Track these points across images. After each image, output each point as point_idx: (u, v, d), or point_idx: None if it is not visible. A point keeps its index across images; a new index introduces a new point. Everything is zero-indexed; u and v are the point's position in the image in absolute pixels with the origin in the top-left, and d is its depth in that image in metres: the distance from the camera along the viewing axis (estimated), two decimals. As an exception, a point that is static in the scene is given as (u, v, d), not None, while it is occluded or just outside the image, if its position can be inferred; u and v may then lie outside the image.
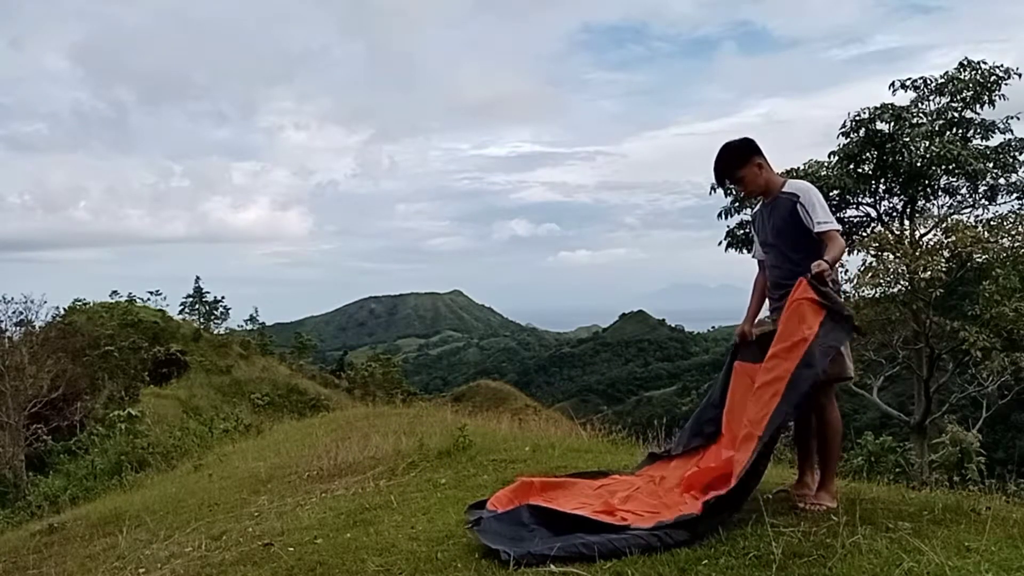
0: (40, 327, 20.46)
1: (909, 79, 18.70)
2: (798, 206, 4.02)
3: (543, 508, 3.80)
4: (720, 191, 19.70)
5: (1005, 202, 18.81)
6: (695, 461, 4.27)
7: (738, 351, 4.38)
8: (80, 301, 31.11)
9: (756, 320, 4.42)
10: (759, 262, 4.42)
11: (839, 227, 4.13)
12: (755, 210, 4.44)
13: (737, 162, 4.15)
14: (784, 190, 4.13)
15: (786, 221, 4.06)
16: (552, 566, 3.22)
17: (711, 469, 4.01)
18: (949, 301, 17.97)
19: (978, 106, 18.11)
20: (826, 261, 3.76)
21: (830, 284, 3.81)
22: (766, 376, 3.78)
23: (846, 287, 18.49)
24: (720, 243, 20.46)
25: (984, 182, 18.34)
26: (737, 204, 19.51)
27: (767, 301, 4.37)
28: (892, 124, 17.98)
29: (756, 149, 4.17)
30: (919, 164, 17.65)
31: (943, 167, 17.69)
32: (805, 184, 4.19)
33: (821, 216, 3.98)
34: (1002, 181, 18.44)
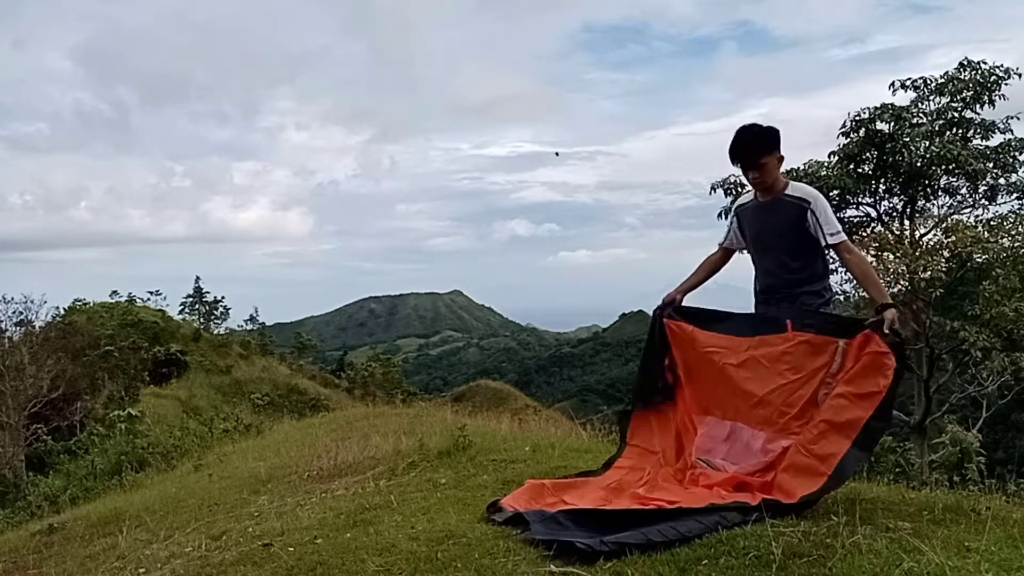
0: (40, 327, 20.50)
1: (909, 79, 18.71)
2: (809, 213, 3.95)
3: (579, 510, 3.75)
4: (720, 191, 19.72)
5: (1005, 202, 18.83)
6: (675, 426, 4.48)
7: (665, 310, 4.58)
8: (80, 301, 31.20)
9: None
10: (724, 249, 4.52)
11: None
12: (743, 203, 4.31)
13: (767, 147, 4.01)
14: (788, 192, 4.05)
15: (792, 226, 4.00)
16: (552, 566, 3.22)
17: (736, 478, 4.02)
18: (949, 301, 17.98)
19: (978, 106, 18.11)
20: (891, 305, 3.75)
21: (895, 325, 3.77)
22: (831, 415, 3.79)
23: (846, 287, 18.51)
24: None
25: (984, 182, 18.34)
26: (737, 204, 19.50)
27: (754, 299, 4.41)
28: (892, 124, 17.98)
29: (780, 142, 4.09)
30: (919, 164, 17.66)
31: (943, 167, 17.70)
32: (813, 190, 4.12)
33: (833, 226, 3.96)
34: (1002, 181, 18.45)
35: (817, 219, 3.94)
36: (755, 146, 4.01)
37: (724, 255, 4.54)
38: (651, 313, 4.68)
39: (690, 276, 4.58)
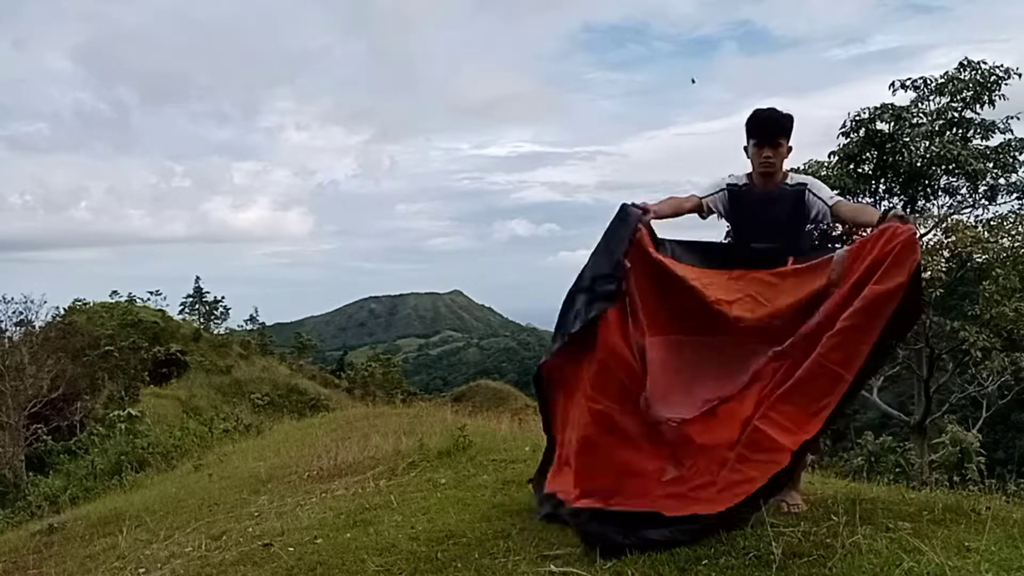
0: (40, 327, 20.51)
1: (909, 79, 18.70)
2: (807, 193, 3.94)
3: (605, 512, 3.47)
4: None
5: (1005, 202, 18.81)
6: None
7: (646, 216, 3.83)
8: (80, 301, 31.21)
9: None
10: (700, 203, 4.13)
11: None
12: (737, 184, 4.10)
13: (788, 130, 3.98)
14: (788, 182, 4.03)
15: (790, 215, 3.95)
16: (552, 566, 3.22)
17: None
18: (949, 301, 17.97)
19: (978, 106, 18.10)
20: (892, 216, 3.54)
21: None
22: (848, 319, 3.34)
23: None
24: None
25: (984, 182, 18.32)
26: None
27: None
28: (892, 124, 17.97)
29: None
30: (919, 164, 17.64)
31: (943, 167, 17.69)
32: (807, 176, 4.14)
33: (828, 192, 3.96)
34: (1002, 181, 18.43)
35: (814, 193, 3.94)
36: (781, 124, 3.96)
37: (696, 208, 4.16)
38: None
39: (669, 204, 4.09)
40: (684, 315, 3.80)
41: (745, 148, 4.02)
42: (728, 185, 4.11)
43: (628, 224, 3.76)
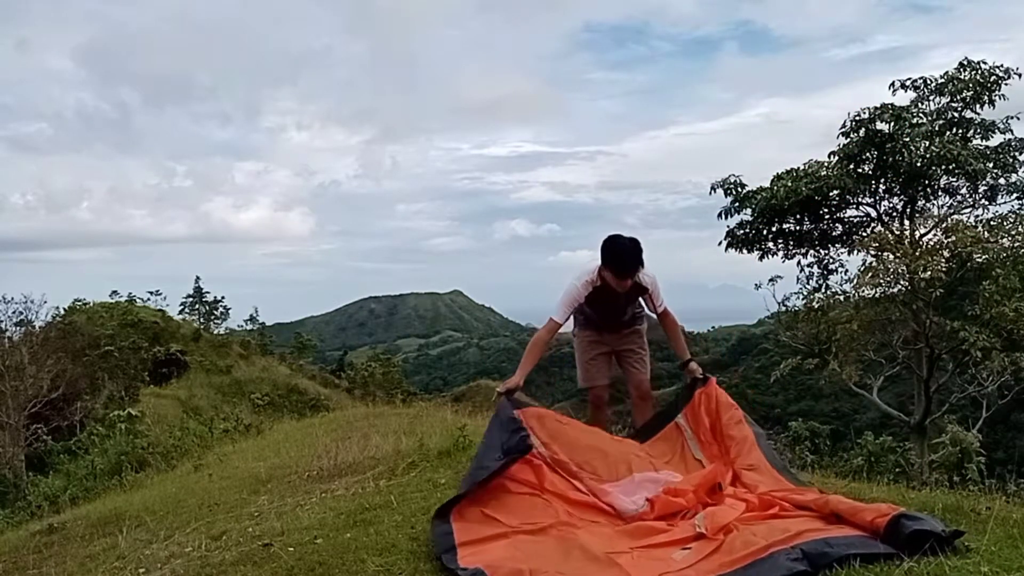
0: (40, 327, 20.44)
1: (909, 79, 18.72)
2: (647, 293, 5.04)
3: None
4: (720, 191, 19.76)
5: (1005, 202, 18.84)
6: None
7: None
8: (80, 301, 31.10)
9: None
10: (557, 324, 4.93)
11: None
12: (591, 292, 4.87)
13: (641, 263, 4.82)
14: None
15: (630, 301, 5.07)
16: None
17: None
18: (949, 301, 17.97)
19: (978, 106, 18.11)
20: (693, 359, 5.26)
21: None
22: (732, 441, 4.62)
23: (846, 287, 18.53)
24: (720, 243, 20.47)
25: (984, 182, 18.34)
26: (737, 204, 19.52)
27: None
28: (892, 124, 17.97)
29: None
30: (919, 164, 17.64)
31: (943, 167, 17.69)
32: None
33: (662, 299, 5.12)
34: (1002, 181, 18.45)
35: (653, 298, 5.04)
36: (639, 261, 4.75)
37: (552, 334, 4.98)
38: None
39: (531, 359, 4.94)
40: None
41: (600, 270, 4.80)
42: (588, 294, 4.90)
43: (501, 417, 4.46)
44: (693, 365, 5.06)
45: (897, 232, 18.76)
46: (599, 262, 4.82)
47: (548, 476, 4.14)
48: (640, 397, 5.23)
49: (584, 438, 4.54)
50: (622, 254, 4.70)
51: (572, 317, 5.01)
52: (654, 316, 5.18)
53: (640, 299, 5.10)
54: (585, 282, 4.84)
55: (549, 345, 4.92)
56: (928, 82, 18.46)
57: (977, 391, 17.65)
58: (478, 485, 3.99)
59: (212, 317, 43.74)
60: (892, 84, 18.89)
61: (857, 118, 18.44)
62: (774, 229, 19.85)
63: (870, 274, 17.16)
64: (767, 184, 18.95)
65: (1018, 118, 18.12)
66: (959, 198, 19.08)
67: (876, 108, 18.29)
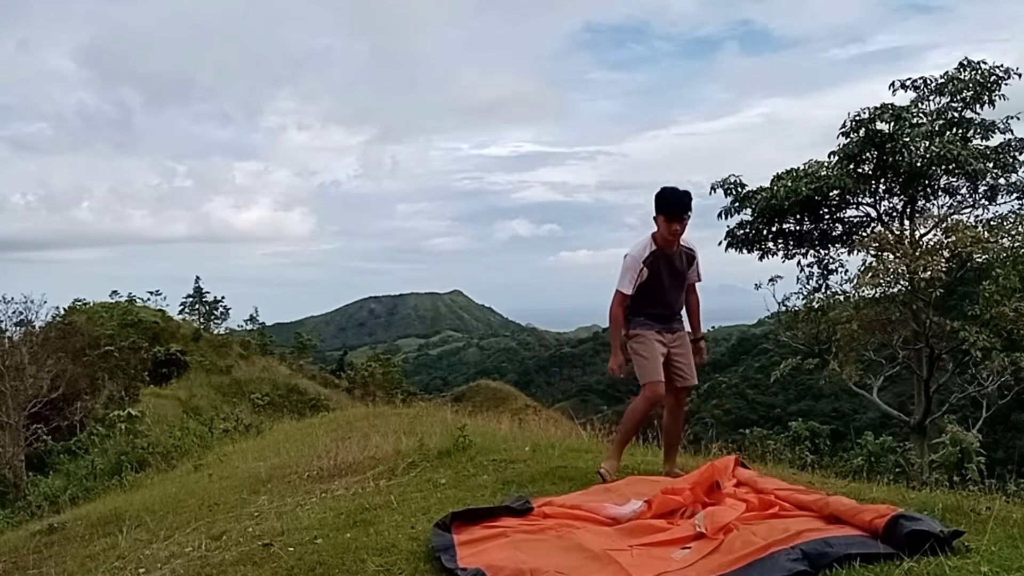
0: (40, 327, 20.44)
1: (909, 79, 18.73)
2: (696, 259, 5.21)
3: None
4: (720, 191, 19.77)
5: (1005, 202, 18.84)
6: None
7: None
8: (80, 301, 31.15)
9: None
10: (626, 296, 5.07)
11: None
12: (648, 256, 5.00)
13: (690, 208, 5.03)
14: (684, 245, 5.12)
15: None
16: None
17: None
18: (949, 301, 17.97)
19: (978, 106, 18.12)
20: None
21: None
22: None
23: (846, 287, 18.52)
24: (720, 243, 20.48)
25: (984, 182, 18.34)
26: (737, 204, 19.53)
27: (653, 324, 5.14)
28: (892, 124, 17.98)
29: None
30: (919, 164, 17.65)
31: (943, 167, 17.70)
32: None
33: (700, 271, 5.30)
34: (1002, 181, 18.45)
35: (698, 267, 5.23)
36: (689, 203, 4.99)
37: (624, 304, 5.16)
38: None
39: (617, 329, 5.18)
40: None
41: (655, 218, 4.98)
42: (647, 259, 5.02)
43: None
44: (702, 344, 5.38)
45: (897, 232, 18.76)
46: (650, 234, 5.06)
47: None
48: (678, 404, 5.31)
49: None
50: (673, 194, 4.96)
51: (630, 319, 5.10)
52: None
53: (691, 271, 5.22)
54: (641, 248, 5.02)
55: (624, 317, 5.11)
56: (928, 82, 18.47)
57: (977, 391, 17.65)
58: (474, 511, 4.10)
59: (212, 317, 43.78)
60: (892, 84, 18.92)
61: (857, 118, 18.44)
62: (774, 229, 19.86)
63: (870, 274, 17.16)
64: (767, 184, 18.96)
65: (1018, 118, 18.14)
66: (959, 198, 19.10)
67: (876, 108, 18.30)
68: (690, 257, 5.17)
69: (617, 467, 5.06)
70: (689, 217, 5.00)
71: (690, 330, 5.34)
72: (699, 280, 5.29)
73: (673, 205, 4.94)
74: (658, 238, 5.01)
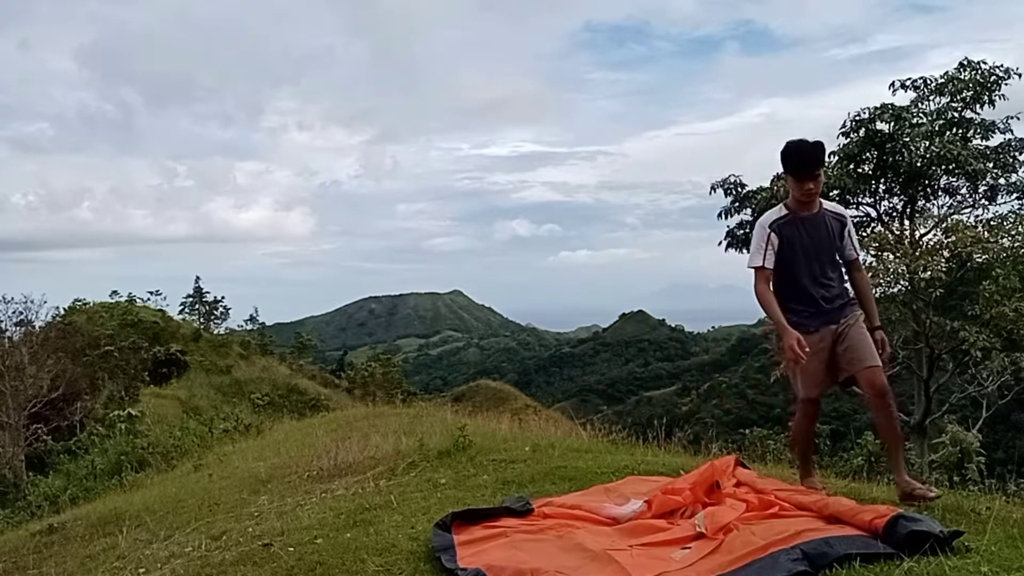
0: (40, 327, 20.46)
1: (909, 79, 18.69)
2: (847, 229, 4.32)
3: None
4: (720, 191, 19.74)
5: (1005, 202, 18.80)
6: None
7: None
8: (80, 301, 31.14)
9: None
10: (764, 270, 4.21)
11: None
12: (779, 219, 4.23)
13: (823, 160, 4.29)
14: (827, 208, 4.31)
15: (832, 240, 4.26)
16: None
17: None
18: (949, 301, 17.96)
19: (978, 106, 18.09)
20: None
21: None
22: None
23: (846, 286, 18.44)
24: (720, 243, 20.46)
25: (984, 182, 18.32)
26: (737, 204, 19.52)
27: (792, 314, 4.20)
28: (892, 124, 17.96)
29: None
30: (919, 164, 17.64)
31: (943, 167, 17.68)
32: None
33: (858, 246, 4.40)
34: (1002, 181, 18.42)
35: (851, 235, 4.31)
36: (821, 157, 4.20)
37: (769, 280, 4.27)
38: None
39: (779, 311, 4.15)
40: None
41: (783, 178, 4.27)
42: (774, 223, 4.24)
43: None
44: (880, 335, 4.23)
45: (897, 232, 18.74)
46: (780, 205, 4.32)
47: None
48: (877, 395, 4.09)
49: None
50: (801, 146, 4.10)
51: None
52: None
53: (844, 240, 4.29)
54: (770, 215, 4.25)
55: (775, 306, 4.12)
56: (928, 82, 18.45)
57: (977, 391, 17.64)
58: (474, 511, 4.12)
59: (212, 317, 43.76)
60: (892, 84, 18.88)
61: (857, 118, 18.42)
62: (774, 229, 19.80)
63: (870, 274, 17.14)
64: (767, 184, 18.94)
65: (1018, 118, 18.11)
66: (959, 198, 19.06)
67: (876, 108, 18.28)
68: (840, 222, 4.27)
69: (817, 479, 4.56)
70: (823, 172, 4.22)
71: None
72: (857, 255, 4.34)
73: (803, 159, 4.09)
74: (791, 202, 4.22)
